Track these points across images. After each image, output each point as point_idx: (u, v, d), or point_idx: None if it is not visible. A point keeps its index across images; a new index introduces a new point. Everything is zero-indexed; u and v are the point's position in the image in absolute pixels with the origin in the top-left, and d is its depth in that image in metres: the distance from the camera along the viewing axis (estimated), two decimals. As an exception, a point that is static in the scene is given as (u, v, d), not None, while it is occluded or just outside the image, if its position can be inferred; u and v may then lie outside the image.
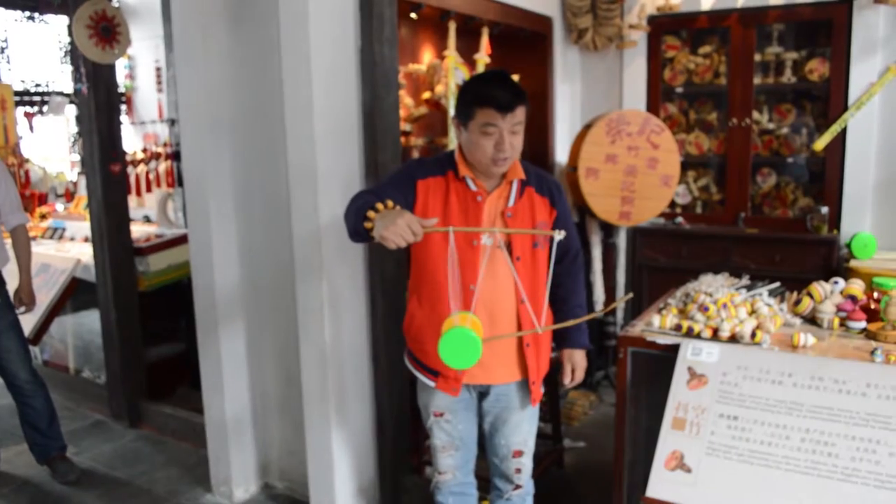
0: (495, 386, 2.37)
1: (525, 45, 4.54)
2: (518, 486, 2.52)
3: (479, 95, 2.14)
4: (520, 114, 2.14)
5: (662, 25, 4.69)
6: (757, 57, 4.50)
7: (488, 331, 2.20)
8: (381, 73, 2.90)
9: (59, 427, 3.71)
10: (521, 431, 2.44)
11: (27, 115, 6.41)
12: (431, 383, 2.35)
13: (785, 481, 2.15)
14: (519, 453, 2.47)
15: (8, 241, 3.57)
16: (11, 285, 3.52)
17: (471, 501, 2.61)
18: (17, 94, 6.34)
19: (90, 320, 4.66)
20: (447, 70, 3.80)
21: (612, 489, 2.79)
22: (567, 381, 2.50)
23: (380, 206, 1.93)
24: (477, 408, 2.45)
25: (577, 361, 2.49)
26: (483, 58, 4.00)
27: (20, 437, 3.72)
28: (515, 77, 4.33)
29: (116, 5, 4.02)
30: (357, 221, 2.00)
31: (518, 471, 2.49)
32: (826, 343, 2.46)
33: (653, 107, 4.74)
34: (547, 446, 3.64)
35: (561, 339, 2.51)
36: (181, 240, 4.54)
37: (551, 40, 4.58)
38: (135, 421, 4.25)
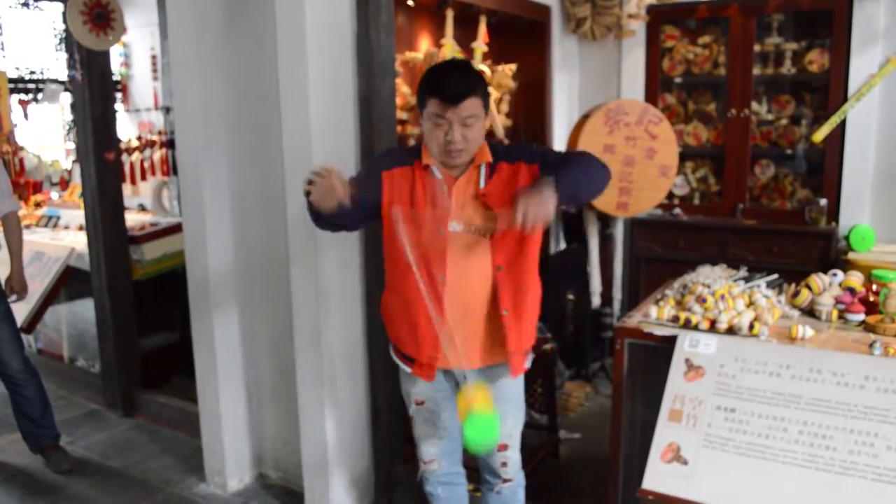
0: (472, 372, 2.27)
1: (523, 33, 4.51)
2: (507, 480, 2.49)
3: (429, 85, 2.13)
4: (470, 107, 2.08)
5: (661, 15, 4.66)
6: (756, 47, 4.47)
7: (462, 314, 2.22)
8: (377, 60, 2.87)
9: (53, 416, 3.69)
10: (504, 425, 2.33)
11: (22, 102, 6.34)
12: (408, 369, 2.36)
13: (782, 474, 2.14)
14: (504, 447, 2.42)
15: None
16: (3, 273, 3.50)
17: (461, 491, 2.60)
18: (11, 81, 6.28)
19: (84, 309, 4.64)
20: (444, 58, 3.77)
21: (608, 481, 2.78)
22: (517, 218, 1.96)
23: (316, 177, 2.01)
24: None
25: (526, 201, 1.96)
26: (481, 46, 3.97)
27: (13, 426, 3.70)
28: (510, 66, 4.32)
29: (111, -9, 3.96)
30: (306, 200, 2.08)
31: (504, 464, 2.46)
32: (824, 335, 2.44)
33: (651, 97, 4.71)
34: (542, 437, 3.63)
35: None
36: (176, 228, 4.50)
37: (549, 29, 4.55)
38: (129, 410, 4.23)
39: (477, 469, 2.59)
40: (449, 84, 2.09)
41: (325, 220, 2.14)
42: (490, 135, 4.27)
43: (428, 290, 2.14)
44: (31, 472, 3.62)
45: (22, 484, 3.51)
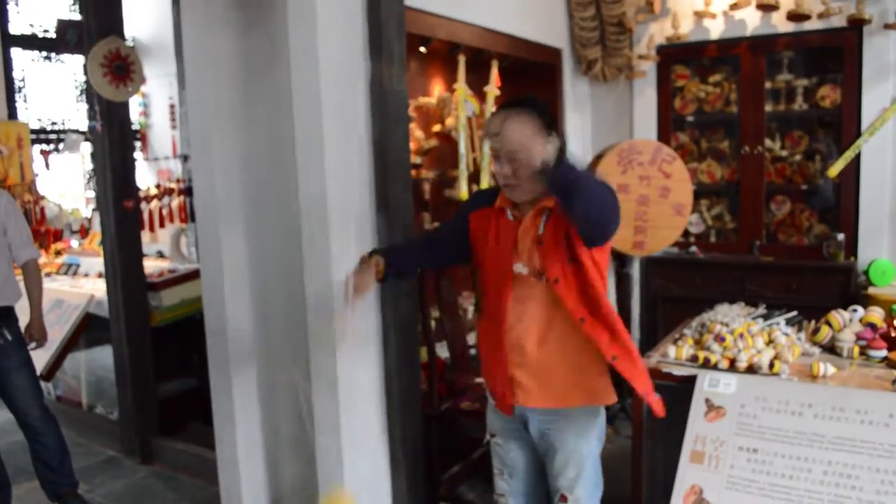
0: (534, 412, 2.25)
1: (535, 76, 4.56)
2: None
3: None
4: (508, 141, 2.07)
5: (671, 55, 4.71)
6: (767, 84, 4.50)
7: (515, 359, 2.21)
8: (391, 106, 2.91)
9: (71, 464, 3.68)
10: (566, 476, 2.26)
11: (43, 152, 6.49)
12: (492, 401, 2.38)
13: (808, 516, 2.10)
14: (564, 499, 2.27)
15: (20, 277, 3.58)
16: (23, 321, 3.53)
17: None
18: (33, 132, 6.43)
19: (103, 356, 4.66)
20: (457, 103, 3.82)
21: (631, 525, 2.74)
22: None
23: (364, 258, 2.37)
24: (530, 439, 2.34)
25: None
26: (493, 90, 4.01)
27: (32, 473, 3.69)
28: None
29: (131, 44, 4.06)
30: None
31: None
32: (846, 373, 2.41)
33: (663, 136, 4.74)
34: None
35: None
36: (194, 275, 4.54)
37: (561, 71, 4.60)
38: (147, 457, 4.22)
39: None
40: (493, 118, 2.17)
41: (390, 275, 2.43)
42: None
43: (496, 325, 2.23)
44: (49, 521, 3.61)
45: (40, 533, 3.50)
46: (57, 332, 4.52)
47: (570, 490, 2.27)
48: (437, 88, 4.17)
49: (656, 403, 2.26)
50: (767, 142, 4.55)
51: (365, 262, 2.39)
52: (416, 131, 3.82)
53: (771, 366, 2.41)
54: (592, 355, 2.21)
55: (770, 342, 2.61)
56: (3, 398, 3.51)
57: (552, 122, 2.16)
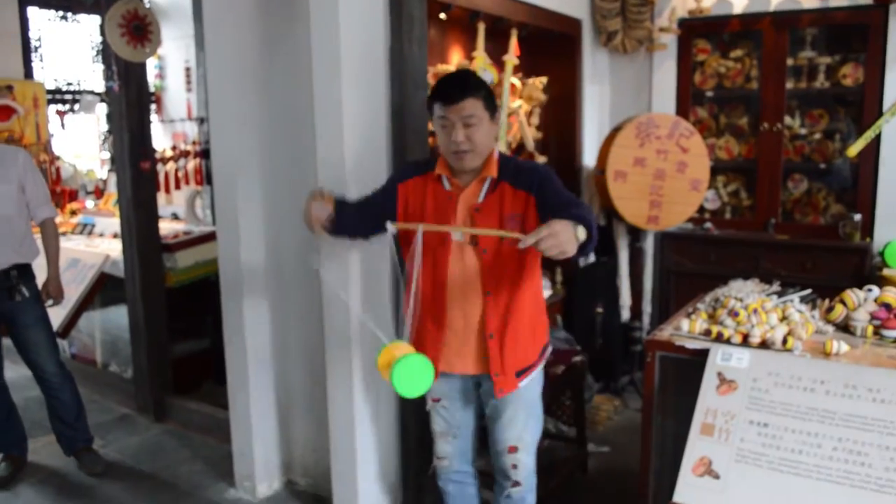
0: (476, 378, 2.42)
1: (554, 46, 4.52)
2: (517, 483, 2.52)
3: (434, 91, 2.28)
4: (470, 107, 2.20)
5: (693, 29, 4.65)
6: (789, 61, 4.44)
7: (461, 324, 2.34)
8: (410, 72, 2.90)
9: (86, 420, 3.75)
10: (514, 426, 2.45)
11: (59, 113, 6.50)
12: None
13: (816, 491, 2.11)
14: (514, 449, 2.47)
15: (38, 235, 3.61)
16: (40, 279, 3.57)
17: (469, 491, 2.67)
18: (49, 92, 6.44)
19: (118, 315, 4.71)
20: (476, 71, 3.79)
21: (638, 495, 2.76)
22: (529, 239, 1.94)
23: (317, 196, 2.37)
24: (476, 396, 2.50)
25: (554, 227, 1.93)
26: (512, 59, 3.98)
27: (48, 428, 3.76)
28: (541, 79, 4.33)
29: (148, 5, 4.05)
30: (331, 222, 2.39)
31: (514, 466, 2.50)
32: (859, 351, 2.41)
33: (682, 110, 4.70)
34: (571, 450, 3.62)
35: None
36: (208, 237, 4.57)
37: (580, 42, 4.56)
38: (160, 415, 4.28)
39: (490, 473, 2.64)
40: (448, 86, 2.24)
41: (331, 233, 2.41)
42: (520, 146, 4.28)
43: (432, 294, 2.33)
44: (64, 474, 3.67)
45: (55, 486, 3.56)
46: (72, 291, 4.57)
47: (518, 440, 2.46)
48: (456, 56, 4.14)
49: (502, 383, 2.36)
50: (787, 119, 4.51)
51: (319, 198, 2.39)
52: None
53: (784, 342, 2.41)
54: (530, 319, 2.39)
55: (784, 319, 2.60)
56: (21, 353, 3.56)
57: (492, 98, 2.29)
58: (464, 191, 2.32)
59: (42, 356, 3.54)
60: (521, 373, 2.40)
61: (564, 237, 1.92)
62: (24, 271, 3.48)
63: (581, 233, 1.97)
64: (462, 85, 2.23)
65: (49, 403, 3.66)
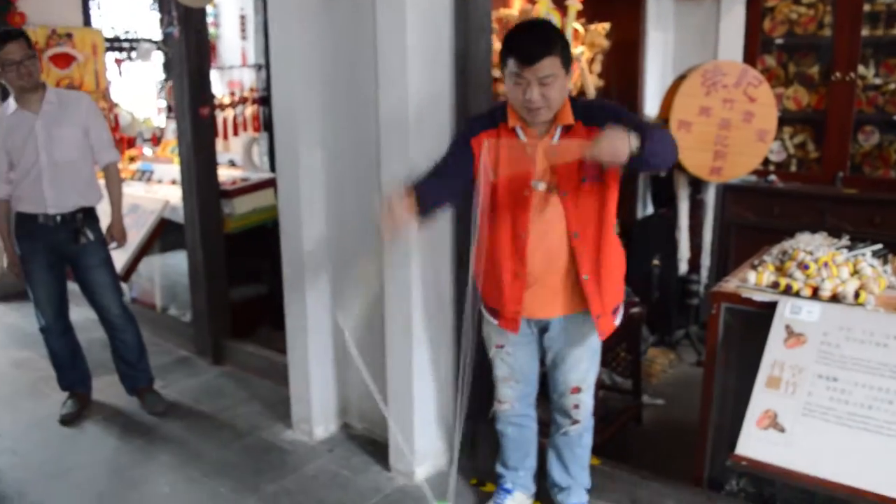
0: (554, 320, 2.42)
1: (617, -10, 4.40)
2: (576, 422, 2.56)
3: (508, 45, 2.18)
4: (548, 66, 2.12)
5: (764, -28, 4.46)
6: (866, 7, 4.23)
7: (544, 271, 2.32)
8: (474, 17, 2.83)
9: (148, 361, 3.85)
10: (579, 368, 2.48)
11: (117, 60, 6.56)
12: (494, 321, 2.47)
13: (886, 446, 2.07)
14: (577, 389, 2.51)
15: (101, 181, 3.67)
16: (104, 222, 3.64)
17: (528, 434, 2.71)
18: (107, 40, 6.49)
19: (177, 261, 4.80)
20: (538, 15, 3.70)
21: (695, 447, 2.75)
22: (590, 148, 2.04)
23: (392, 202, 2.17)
24: (538, 342, 2.52)
25: (607, 132, 2.02)
26: (574, 3, 3.88)
27: (111, 368, 3.87)
28: (604, 24, 4.22)
29: (207, -51, 4.02)
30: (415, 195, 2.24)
31: (576, 406, 2.53)
32: (936, 306, 2.34)
33: (750, 59, 4.54)
34: (626, 402, 3.61)
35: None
36: (266, 184, 4.60)
37: (645, -14, 4.42)
38: (218, 358, 4.38)
39: (547, 422, 2.69)
40: (526, 44, 2.15)
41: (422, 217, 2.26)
42: (581, 94, 4.19)
43: (512, 247, 2.31)
44: (128, 413, 3.79)
45: (120, 424, 3.68)
46: (133, 236, 4.66)
47: (582, 381, 2.50)
48: (518, 1, 4.05)
49: (604, 325, 2.37)
50: (861, 68, 4.32)
51: (396, 202, 2.19)
52: (497, 43, 3.73)
53: (856, 296, 2.34)
54: (617, 256, 2.42)
55: (855, 273, 2.53)
56: (86, 295, 3.66)
57: (569, 52, 2.21)
58: (541, 140, 2.26)
59: (107, 297, 3.63)
60: (615, 310, 2.43)
61: (617, 140, 1.99)
62: (89, 215, 3.56)
63: (634, 140, 2.01)
64: (541, 42, 2.14)
65: (112, 344, 3.77)
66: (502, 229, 2.32)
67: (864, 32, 4.27)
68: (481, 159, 2.24)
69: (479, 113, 2.59)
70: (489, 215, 2.29)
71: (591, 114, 2.26)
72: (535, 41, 2.15)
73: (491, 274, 2.40)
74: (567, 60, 2.19)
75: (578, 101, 2.32)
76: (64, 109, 3.44)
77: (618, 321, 2.45)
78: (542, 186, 2.27)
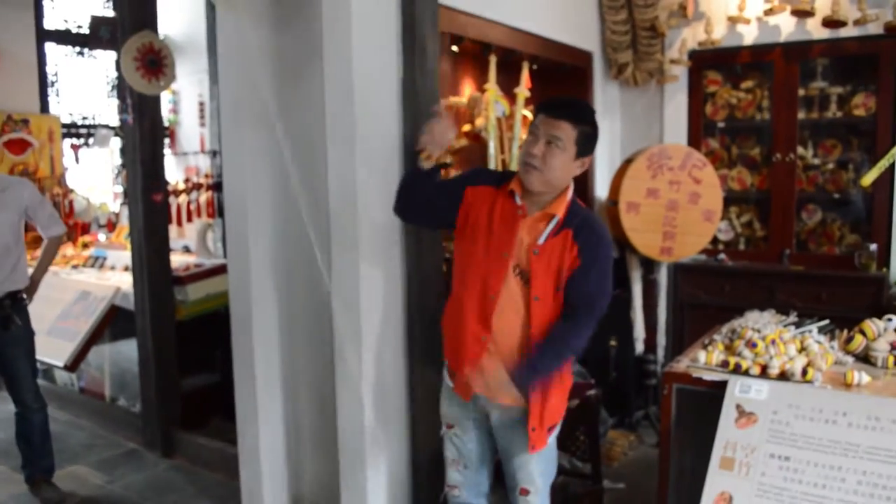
0: (497, 407, 2.34)
1: (565, 79, 4.54)
2: None
3: (542, 101, 2.29)
4: (562, 129, 2.15)
5: (704, 60, 4.66)
6: (801, 92, 4.44)
7: (501, 346, 2.26)
8: (422, 104, 2.89)
9: (52, 449, 3.77)
10: (527, 471, 2.38)
11: (73, 146, 6.54)
12: (451, 383, 2.42)
13: (841, 527, 2.05)
14: (525, 492, 2.41)
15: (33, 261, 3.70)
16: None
17: None
18: (64, 126, 6.49)
19: (128, 349, 4.68)
20: (487, 103, 3.80)
21: (656, 532, 2.69)
22: None
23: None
24: (488, 430, 2.44)
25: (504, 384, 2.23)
26: (523, 91, 3.99)
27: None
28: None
29: (163, 38, 4.09)
30: (412, 168, 2.39)
31: None
32: (881, 382, 2.36)
33: (694, 142, 4.70)
34: (586, 487, 3.54)
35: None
36: (220, 269, 4.56)
37: (591, 75, 4.58)
38: (168, 450, 4.23)
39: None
40: (557, 101, 2.25)
41: (411, 188, 2.35)
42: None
43: (480, 308, 2.25)
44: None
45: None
46: (82, 324, 4.56)
47: (530, 484, 2.39)
48: (468, 88, 4.16)
49: (536, 439, 2.31)
50: (800, 149, 4.49)
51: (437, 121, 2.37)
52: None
53: (804, 373, 2.36)
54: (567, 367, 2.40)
55: (802, 349, 2.56)
56: (4, 377, 3.67)
57: (589, 143, 2.24)
58: (530, 216, 2.24)
59: (23, 388, 3.63)
60: (551, 429, 2.36)
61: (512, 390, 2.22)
62: (16, 299, 3.56)
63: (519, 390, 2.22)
64: (570, 107, 2.21)
65: (19, 425, 3.70)
66: (472, 294, 2.27)
67: (801, 115, 4.46)
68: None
69: (487, 169, 2.62)
70: (459, 268, 2.33)
71: (583, 233, 2.21)
72: (567, 103, 2.24)
73: (454, 327, 2.35)
74: (583, 146, 2.19)
75: (582, 209, 2.28)
76: (2, 194, 3.47)
77: (551, 440, 2.38)
78: (516, 266, 2.23)
